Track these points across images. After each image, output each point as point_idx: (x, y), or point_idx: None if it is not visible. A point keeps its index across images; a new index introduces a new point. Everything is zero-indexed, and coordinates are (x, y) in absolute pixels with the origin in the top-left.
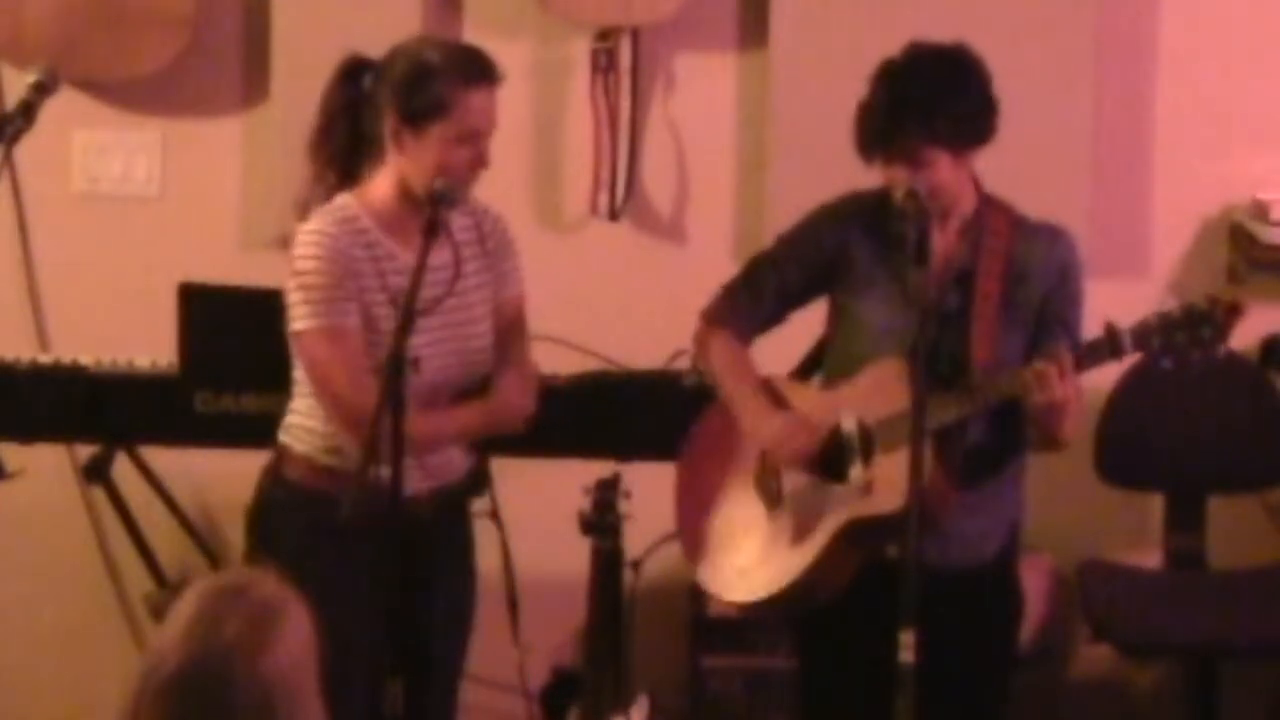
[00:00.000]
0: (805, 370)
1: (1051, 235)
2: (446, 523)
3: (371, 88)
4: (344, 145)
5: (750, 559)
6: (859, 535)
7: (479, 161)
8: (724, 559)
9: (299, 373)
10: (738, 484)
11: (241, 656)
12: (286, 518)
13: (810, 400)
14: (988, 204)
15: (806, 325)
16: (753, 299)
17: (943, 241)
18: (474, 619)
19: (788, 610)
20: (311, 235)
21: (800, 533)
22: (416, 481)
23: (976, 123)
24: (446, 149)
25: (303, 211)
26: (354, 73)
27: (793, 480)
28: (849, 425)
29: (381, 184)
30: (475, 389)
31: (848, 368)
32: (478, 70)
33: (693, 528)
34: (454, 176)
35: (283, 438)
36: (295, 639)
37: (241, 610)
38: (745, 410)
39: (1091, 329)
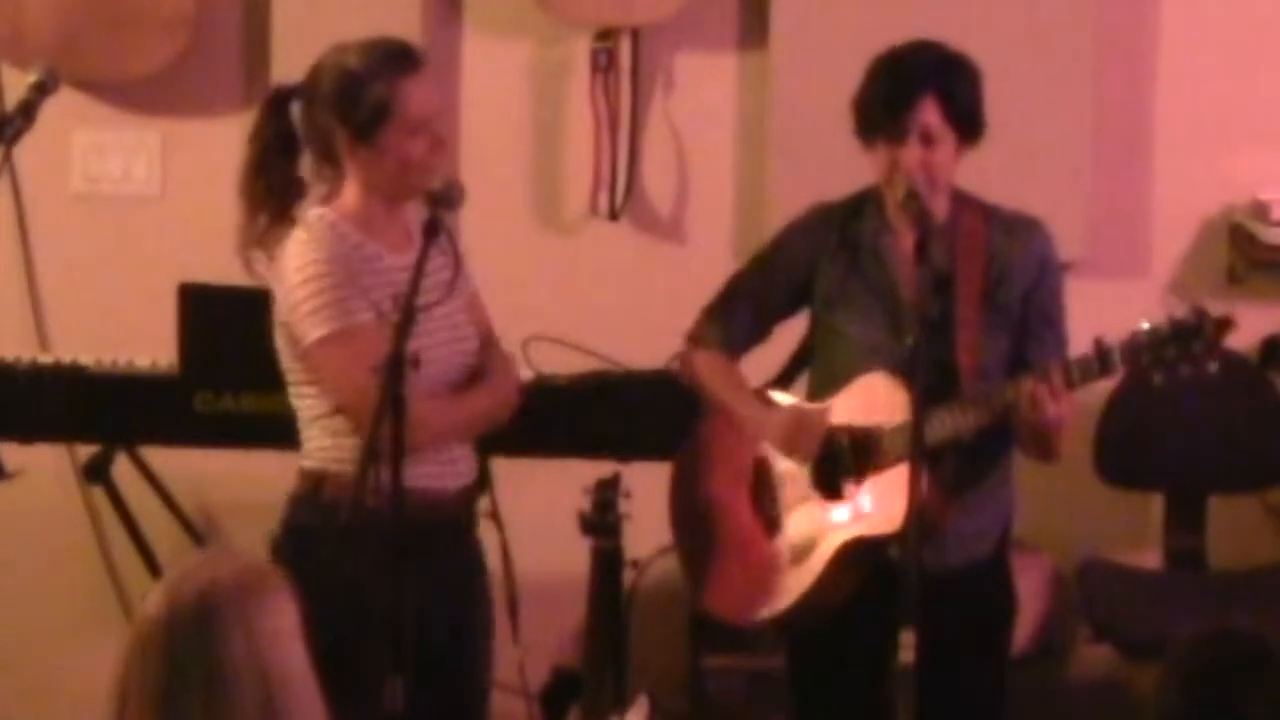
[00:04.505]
0: (784, 379)
1: (1027, 229)
2: (466, 523)
3: (305, 113)
4: (277, 183)
5: (749, 579)
6: (858, 555)
7: (437, 146)
8: (723, 579)
9: (309, 393)
10: (732, 501)
11: (226, 600)
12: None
13: None
14: (959, 203)
15: (783, 336)
16: (732, 320)
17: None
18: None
19: (791, 628)
20: (303, 246)
21: (799, 553)
22: (448, 480)
23: (976, 114)
24: (402, 145)
25: (247, 261)
26: (280, 103)
27: (788, 498)
28: (841, 440)
29: (349, 194)
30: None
31: (833, 383)
32: (403, 60)
33: (690, 547)
34: (418, 168)
35: (309, 464)
36: (281, 607)
37: (223, 566)
38: (744, 414)
39: (1086, 334)
